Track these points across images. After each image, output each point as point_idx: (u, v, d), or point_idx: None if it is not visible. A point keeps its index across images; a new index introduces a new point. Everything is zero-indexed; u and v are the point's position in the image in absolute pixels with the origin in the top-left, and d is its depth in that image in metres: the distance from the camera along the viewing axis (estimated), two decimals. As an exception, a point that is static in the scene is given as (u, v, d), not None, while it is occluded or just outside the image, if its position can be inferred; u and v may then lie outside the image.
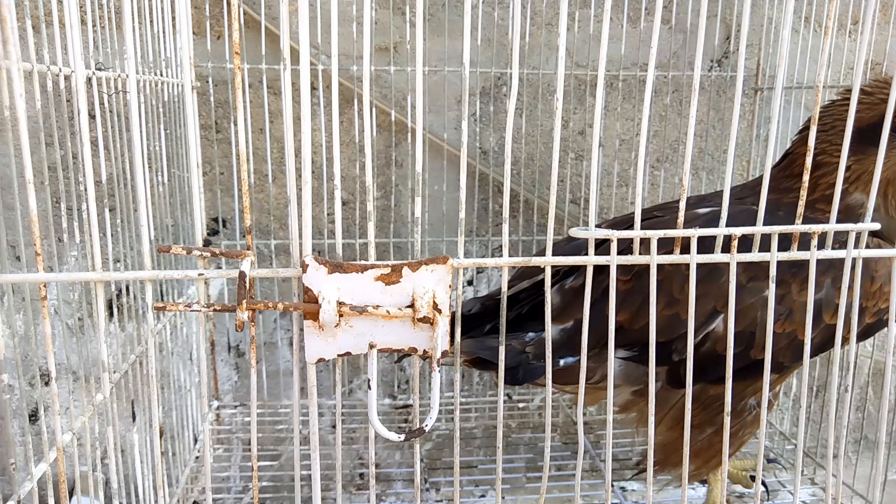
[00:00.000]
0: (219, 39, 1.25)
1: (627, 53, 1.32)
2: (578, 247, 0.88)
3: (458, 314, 0.58)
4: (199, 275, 0.52)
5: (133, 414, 0.94)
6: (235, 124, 1.28)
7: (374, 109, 1.29)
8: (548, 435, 0.62)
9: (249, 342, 0.54)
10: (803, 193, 0.59)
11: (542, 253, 0.59)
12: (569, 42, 1.32)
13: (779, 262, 0.59)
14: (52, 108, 0.70)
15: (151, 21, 1.00)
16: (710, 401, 0.85)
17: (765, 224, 0.59)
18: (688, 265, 0.58)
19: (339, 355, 0.54)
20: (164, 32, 1.05)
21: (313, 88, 1.30)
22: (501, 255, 0.57)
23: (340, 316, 0.52)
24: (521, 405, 1.40)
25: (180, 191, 1.10)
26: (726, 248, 0.59)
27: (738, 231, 0.58)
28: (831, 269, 0.78)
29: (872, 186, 0.61)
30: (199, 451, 1.19)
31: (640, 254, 0.58)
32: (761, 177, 0.97)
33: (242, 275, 0.50)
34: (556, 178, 0.55)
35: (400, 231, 1.34)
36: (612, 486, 1.17)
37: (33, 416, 1.30)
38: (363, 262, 0.53)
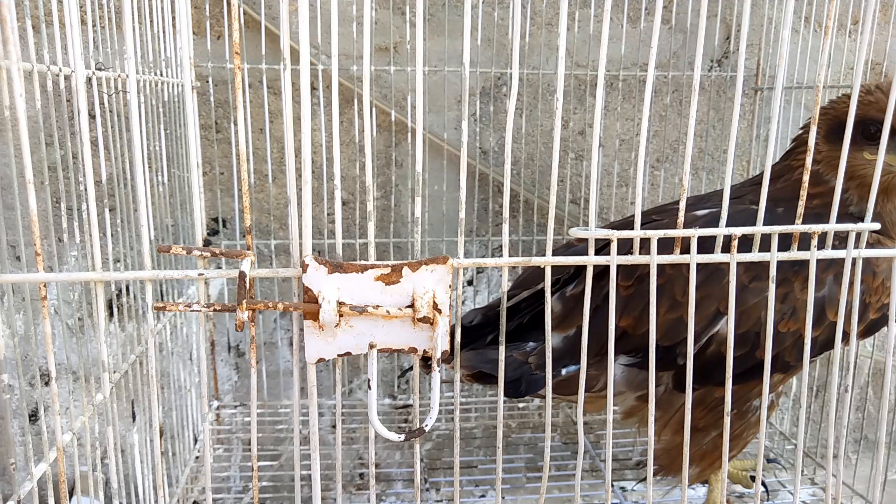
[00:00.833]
0: (219, 39, 1.25)
1: (627, 53, 1.32)
2: (578, 252, 0.88)
3: (458, 327, 0.58)
4: (200, 275, 0.52)
5: (133, 414, 0.94)
6: (235, 124, 1.28)
7: (374, 109, 1.29)
8: (548, 435, 0.62)
9: (249, 342, 0.54)
10: (803, 194, 0.59)
11: (542, 254, 0.59)
12: (569, 42, 1.32)
13: (780, 261, 0.59)
14: (52, 108, 0.70)
15: (151, 21, 1.00)
16: (715, 403, 0.85)
17: (764, 222, 0.59)
18: (689, 268, 0.58)
19: (339, 355, 0.54)
20: (164, 32, 1.05)
21: (313, 88, 1.30)
22: (501, 256, 0.57)
23: (340, 316, 0.52)
24: (521, 405, 1.40)
25: (180, 191, 1.10)
26: (726, 249, 0.59)
27: (738, 231, 0.58)
28: (833, 266, 0.77)
29: (872, 188, 0.61)
30: (199, 451, 1.19)
31: (640, 255, 0.58)
32: (758, 176, 0.98)
33: (242, 275, 0.50)
34: (556, 178, 0.55)
35: (400, 231, 1.34)
36: (612, 486, 1.17)
37: (33, 416, 1.30)
38: (363, 262, 0.53)
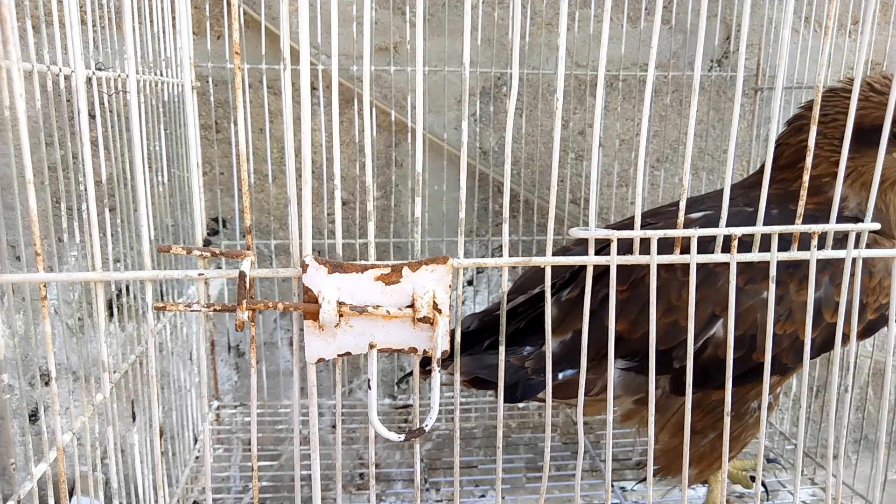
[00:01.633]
0: (219, 39, 1.25)
1: (627, 53, 1.32)
2: (576, 254, 0.88)
3: (458, 328, 0.58)
4: (200, 275, 0.52)
5: (133, 414, 0.94)
6: (235, 124, 1.28)
7: (374, 109, 1.29)
8: (548, 435, 0.62)
9: (249, 342, 0.54)
10: (803, 194, 0.59)
11: (542, 254, 0.59)
12: (569, 42, 1.32)
13: (776, 263, 0.59)
14: (52, 108, 0.70)
15: (151, 21, 1.00)
16: (712, 406, 0.85)
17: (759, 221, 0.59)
18: (685, 272, 0.58)
19: (339, 355, 0.54)
20: (164, 32, 1.05)
21: (313, 88, 1.30)
22: (501, 256, 0.57)
23: (340, 316, 0.52)
24: (521, 405, 1.40)
25: (180, 191, 1.10)
26: (726, 249, 0.59)
27: (738, 231, 0.58)
28: (828, 267, 0.77)
29: (873, 187, 0.61)
30: (199, 451, 1.19)
31: (639, 255, 0.58)
32: (751, 176, 0.97)
33: (242, 275, 0.50)
34: (556, 178, 0.55)
35: (400, 231, 1.34)
36: (613, 486, 1.17)
37: (33, 416, 1.30)
38: (363, 262, 0.53)
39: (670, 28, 1.33)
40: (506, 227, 0.57)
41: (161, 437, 1.02)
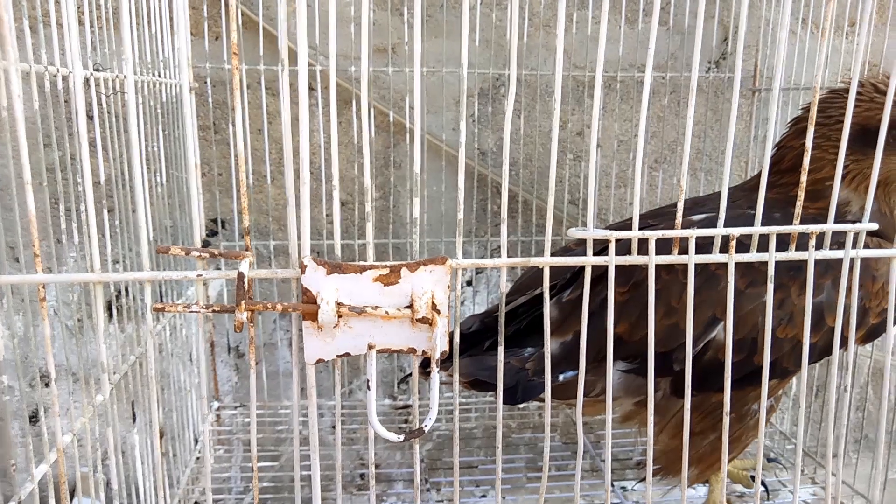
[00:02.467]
0: (217, 40, 1.25)
1: (625, 55, 1.32)
2: (576, 255, 0.87)
3: (457, 329, 0.58)
4: (198, 276, 0.52)
5: (133, 415, 0.94)
6: (234, 125, 1.28)
7: (372, 110, 1.29)
8: (547, 436, 0.62)
9: (248, 343, 0.54)
10: (801, 194, 0.59)
11: (540, 254, 0.59)
12: (567, 43, 1.32)
13: (777, 266, 0.59)
14: (50, 109, 0.70)
15: (150, 22, 1.00)
16: (712, 408, 0.85)
17: (761, 225, 0.59)
18: (685, 274, 0.57)
19: (338, 356, 0.54)
20: (161, 33, 1.05)
21: (311, 89, 1.30)
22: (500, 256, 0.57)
23: (339, 317, 0.52)
24: (521, 405, 1.40)
25: (179, 192, 1.10)
26: (724, 250, 0.59)
27: (736, 231, 0.58)
28: (831, 271, 0.77)
29: (870, 187, 0.61)
30: (199, 452, 1.19)
31: (638, 255, 0.58)
32: (753, 178, 0.97)
33: (241, 276, 0.50)
34: (554, 178, 0.55)
35: (399, 232, 1.34)
36: (613, 485, 1.17)
37: (33, 418, 1.30)
38: (362, 262, 0.53)
39: (668, 29, 1.33)
40: (503, 228, 0.57)
41: (161, 438, 1.02)
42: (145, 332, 0.93)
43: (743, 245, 0.59)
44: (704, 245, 0.59)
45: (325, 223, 1.33)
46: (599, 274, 0.59)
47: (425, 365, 0.63)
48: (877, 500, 0.85)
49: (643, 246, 0.58)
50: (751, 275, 0.77)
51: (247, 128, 1.27)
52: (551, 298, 0.89)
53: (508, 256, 0.58)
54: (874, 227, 0.61)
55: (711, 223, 0.59)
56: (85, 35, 0.94)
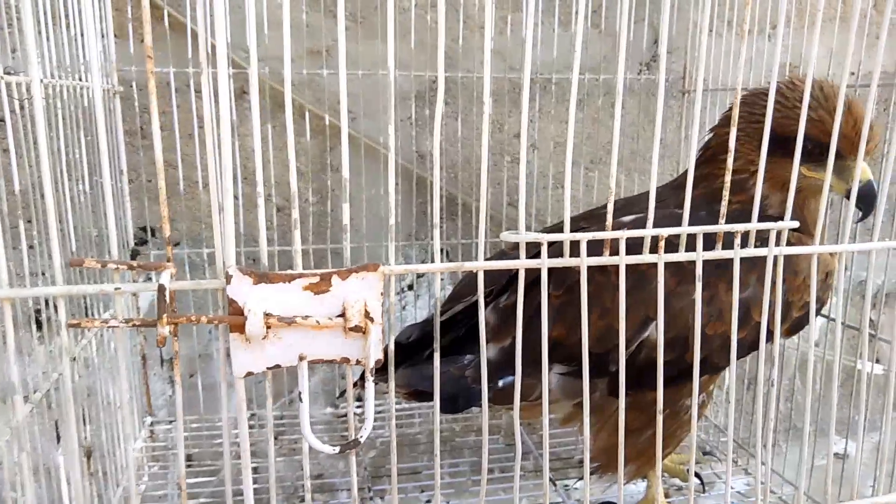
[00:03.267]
0: (143, 42, 1.21)
1: (560, 57, 1.33)
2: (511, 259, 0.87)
3: (392, 338, 0.57)
4: (116, 289, 0.49)
5: (58, 434, 0.89)
6: (162, 130, 1.24)
7: (307, 113, 1.27)
8: (485, 441, 0.62)
9: (173, 357, 0.52)
10: (726, 194, 0.60)
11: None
12: (501, 45, 1.33)
13: (704, 264, 0.60)
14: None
15: (68, 24, 0.95)
16: (647, 405, 0.85)
17: (689, 223, 0.60)
18: (618, 275, 0.58)
19: (268, 368, 0.52)
20: (82, 35, 1.00)
21: (244, 93, 1.27)
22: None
23: (268, 328, 0.50)
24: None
25: (105, 200, 1.05)
26: (654, 250, 0.60)
27: (665, 231, 0.59)
28: (756, 268, 0.79)
29: (790, 193, 0.63)
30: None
31: (570, 257, 0.59)
32: (681, 176, 1.00)
33: (162, 288, 0.47)
34: (485, 181, 0.55)
35: (338, 237, 1.32)
36: (556, 484, 1.18)
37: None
38: (290, 271, 0.51)
39: (600, 32, 1.35)
40: (436, 233, 0.56)
41: (89, 457, 0.97)
42: (61, 349, 0.88)
43: (672, 244, 0.60)
44: (635, 246, 0.60)
45: (265, 229, 1.29)
46: (535, 278, 0.59)
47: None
48: (803, 487, 0.88)
49: (576, 248, 0.58)
50: (680, 274, 0.78)
51: (176, 132, 1.23)
52: (488, 304, 0.89)
53: (449, 260, 0.57)
54: (795, 224, 0.64)
55: (641, 224, 0.59)
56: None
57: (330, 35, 1.27)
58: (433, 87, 1.33)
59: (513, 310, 0.86)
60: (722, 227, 0.61)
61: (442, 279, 1.39)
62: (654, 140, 0.57)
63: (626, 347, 0.79)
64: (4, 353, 0.95)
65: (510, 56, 1.34)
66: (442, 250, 1.38)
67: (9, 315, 0.49)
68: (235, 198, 1.30)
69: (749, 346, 0.81)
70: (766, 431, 0.69)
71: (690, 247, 0.61)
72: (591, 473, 0.81)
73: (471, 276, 1.00)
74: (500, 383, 0.85)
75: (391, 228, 0.55)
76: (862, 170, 0.69)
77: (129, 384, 1.21)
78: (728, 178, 0.59)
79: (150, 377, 1.32)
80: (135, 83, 1.19)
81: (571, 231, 0.57)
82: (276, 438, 1.37)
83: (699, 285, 0.60)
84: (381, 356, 0.53)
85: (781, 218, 0.63)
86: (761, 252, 0.63)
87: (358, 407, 1.26)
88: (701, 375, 0.65)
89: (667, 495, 1.13)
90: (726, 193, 0.60)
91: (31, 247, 0.83)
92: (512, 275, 0.87)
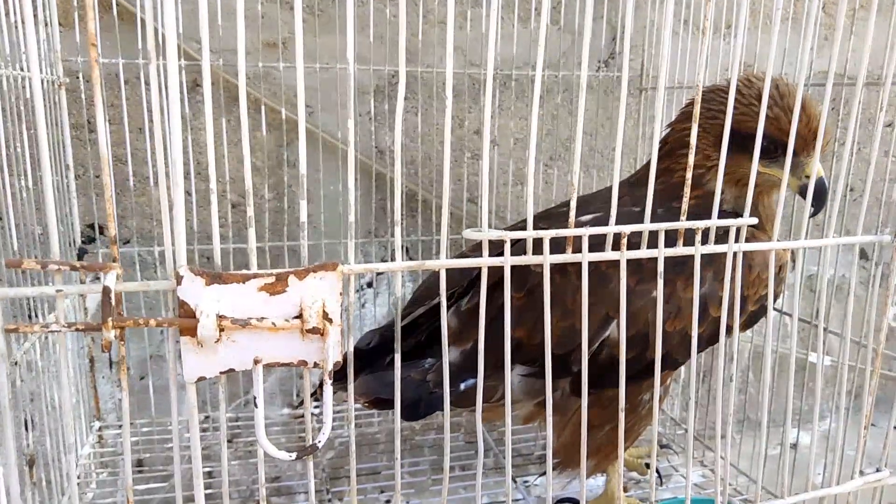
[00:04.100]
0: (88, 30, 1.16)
1: (519, 53, 1.33)
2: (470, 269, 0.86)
3: (351, 340, 0.56)
4: (58, 291, 0.47)
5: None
6: (108, 123, 1.19)
7: (263, 107, 1.23)
8: (447, 441, 0.61)
9: (119, 362, 0.49)
10: (687, 191, 0.60)
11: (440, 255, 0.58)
12: (461, 41, 1.32)
13: (664, 262, 0.60)
14: None
15: (7, 11, 0.91)
16: (607, 402, 0.86)
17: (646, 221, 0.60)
18: (579, 276, 0.58)
19: (221, 372, 0.50)
20: (23, 23, 0.95)
21: (197, 85, 1.23)
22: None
23: (221, 330, 0.48)
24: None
25: (45, 197, 1.00)
26: (616, 248, 0.60)
27: (627, 229, 0.59)
28: (712, 263, 0.80)
29: (748, 191, 0.63)
30: (79, 477, 1.10)
31: (532, 255, 0.58)
32: (637, 172, 1.00)
33: (107, 290, 0.45)
34: (447, 178, 0.54)
35: (295, 234, 1.30)
36: (516, 481, 1.18)
37: None
38: (245, 271, 0.49)
39: (559, 29, 1.35)
40: (398, 231, 0.55)
41: (32, 466, 0.93)
42: (15, 352, 0.84)
43: (632, 244, 0.60)
44: (597, 245, 0.59)
45: (219, 227, 1.26)
46: (496, 281, 0.58)
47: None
48: (759, 478, 0.90)
49: (538, 247, 0.57)
50: (640, 272, 0.79)
51: (126, 126, 1.18)
52: (449, 308, 0.88)
53: (409, 257, 0.56)
54: (753, 221, 0.64)
55: (599, 223, 0.59)
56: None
57: (287, 27, 1.24)
58: (392, 81, 1.31)
59: (474, 313, 0.86)
60: (683, 223, 0.61)
61: (403, 276, 1.38)
62: (617, 137, 0.56)
63: (588, 347, 0.78)
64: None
65: (470, 51, 1.33)
66: (402, 247, 1.36)
67: (-61, 320, 0.46)
68: (188, 194, 1.26)
69: (707, 340, 0.82)
70: (724, 425, 0.70)
71: (651, 244, 0.61)
72: (552, 470, 0.80)
73: (431, 279, 0.99)
74: (462, 386, 0.84)
75: (350, 226, 0.53)
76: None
77: (74, 389, 1.16)
78: (689, 174, 0.59)
79: (98, 380, 1.27)
80: (81, 74, 1.14)
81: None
82: (230, 441, 1.34)
83: (661, 282, 0.60)
84: (339, 358, 0.51)
85: (736, 213, 0.64)
86: (721, 248, 0.63)
87: (316, 407, 1.24)
88: (661, 371, 0.65)
89: (625, 489, 1.14)
90: (687, 190, 0.60)
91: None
92: (473, 277, 0.87)
